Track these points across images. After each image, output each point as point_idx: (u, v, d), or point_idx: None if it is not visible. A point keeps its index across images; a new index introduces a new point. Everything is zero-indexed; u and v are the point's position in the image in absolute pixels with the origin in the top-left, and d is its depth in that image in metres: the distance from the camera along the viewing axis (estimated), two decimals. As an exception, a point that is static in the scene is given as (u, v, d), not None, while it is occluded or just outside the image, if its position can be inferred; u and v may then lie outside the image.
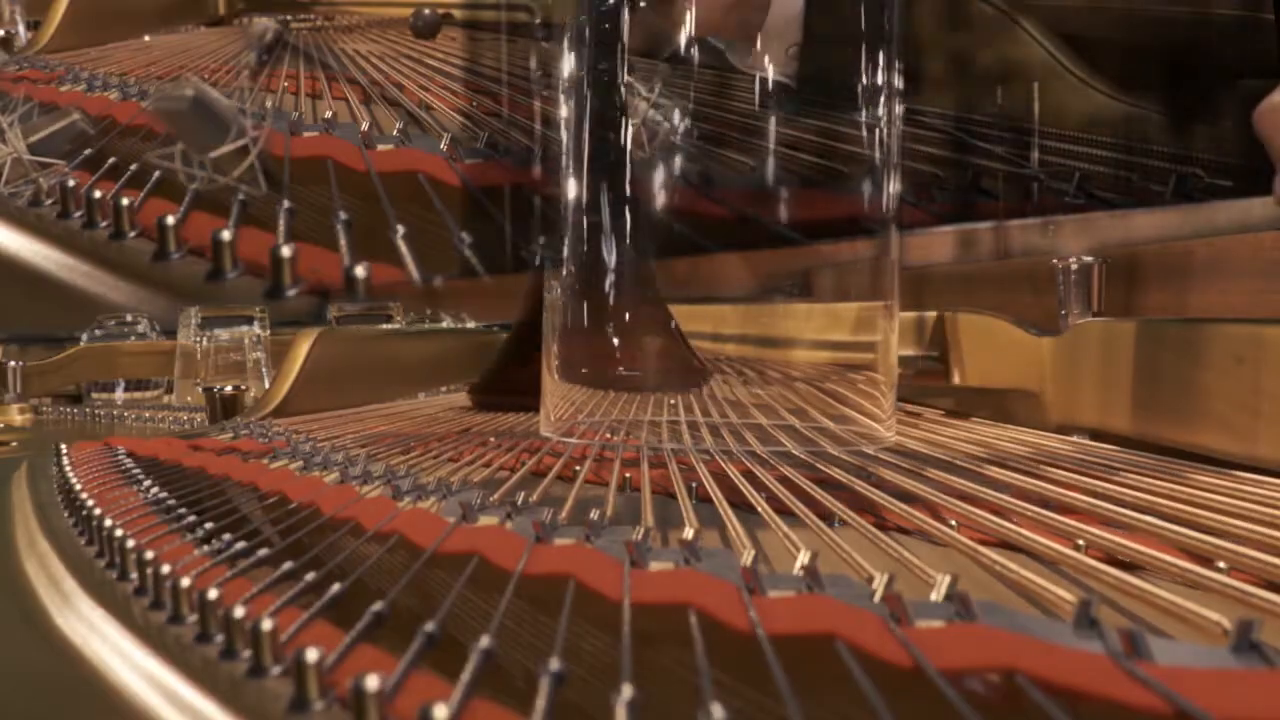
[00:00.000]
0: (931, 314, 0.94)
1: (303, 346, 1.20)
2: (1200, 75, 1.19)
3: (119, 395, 1.60)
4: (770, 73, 0.83)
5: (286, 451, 0.83)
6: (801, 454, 0.72)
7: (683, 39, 0.82)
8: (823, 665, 0.39)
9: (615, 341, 0.84)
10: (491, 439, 0.85)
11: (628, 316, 0.85)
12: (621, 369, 0.84)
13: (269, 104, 1.34)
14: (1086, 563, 0.49)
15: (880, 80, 0.78)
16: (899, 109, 0.79)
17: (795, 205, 0.82)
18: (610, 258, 0.80)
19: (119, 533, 0.62)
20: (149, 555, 0.58)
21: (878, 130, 0.78)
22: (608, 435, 0.80)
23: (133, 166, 1.27)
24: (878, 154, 0.79)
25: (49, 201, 1.29)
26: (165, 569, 0.56)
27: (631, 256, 0.81)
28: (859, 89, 0.79)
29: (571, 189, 0.81)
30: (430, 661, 0.43)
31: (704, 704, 0.35)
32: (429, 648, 0.44)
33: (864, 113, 0.79)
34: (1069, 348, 0.82)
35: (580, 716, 0.41)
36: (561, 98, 0.82)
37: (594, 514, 0.55)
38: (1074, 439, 0.79)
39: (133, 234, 1.28)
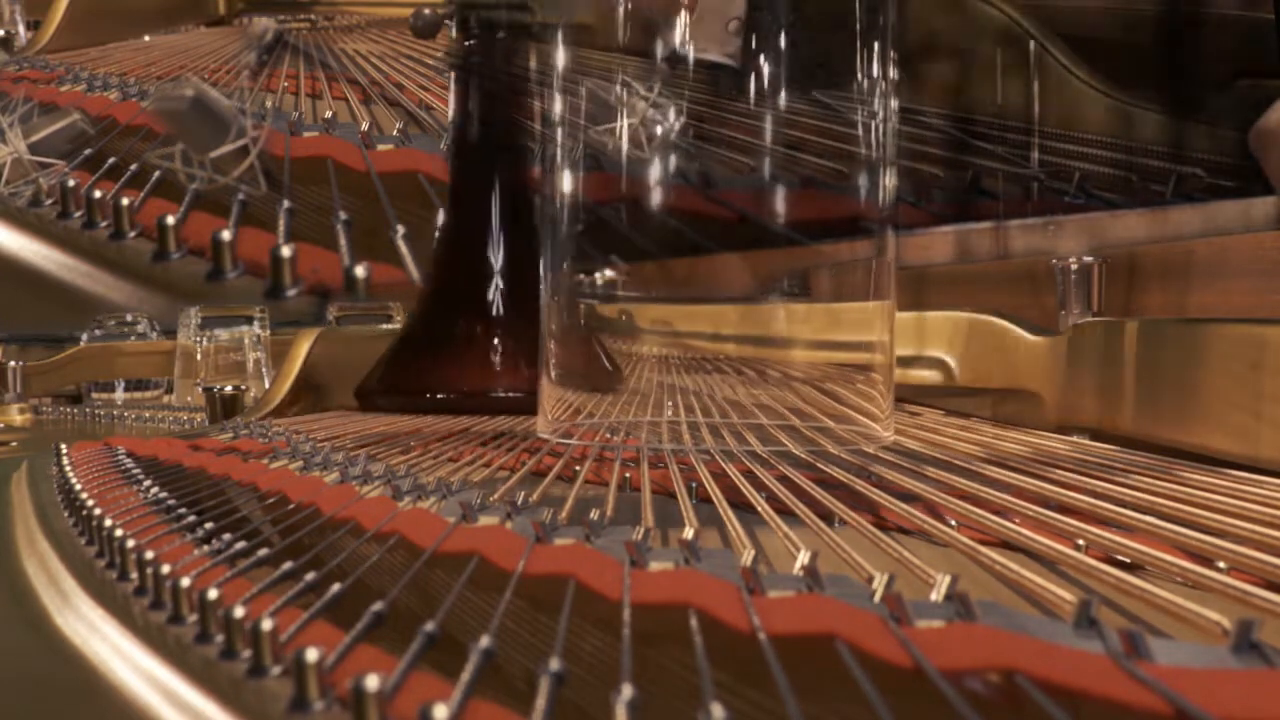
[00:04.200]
0: (931, 314, 0.94)
1: (303, 346, 1.20)
2: (1200, 75, 1.19)
3: (119, 395, 1.60)
4: (708, 53, 0.81)
5: (286, 451, 0.83)
6: (802, 453, 0.72)
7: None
8: (823, 665, 0.39)
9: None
10: (491, 439, 0.85)
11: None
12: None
13: (269, 104, 1.34)
14: (1086, 563, 0.49)
15: (875, 73, 0.77)
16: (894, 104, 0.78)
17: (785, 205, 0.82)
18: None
19: (119, 533, 0.62)
20: (149, 555, 0.58)
21: (873, 126, 0.78)
22: (607, 436, 0.80)
23: (133, 166, 1.28)
24: (871, 150, 0.78)
25: (49, 201, 1.29)
26: (165, 569, 0.56)
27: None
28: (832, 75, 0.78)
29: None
30: (430, 661, 0.43)
31: (704, 704, 0.35)
32: (429, 648, 0.44)
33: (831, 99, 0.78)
34: (1069, 348, 0.82)
35: (580, 716, 0.41)
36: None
37: (594, 514, 0.55)
38: (1074, 439, 0.79)
39: (133, 234, 1.28)
